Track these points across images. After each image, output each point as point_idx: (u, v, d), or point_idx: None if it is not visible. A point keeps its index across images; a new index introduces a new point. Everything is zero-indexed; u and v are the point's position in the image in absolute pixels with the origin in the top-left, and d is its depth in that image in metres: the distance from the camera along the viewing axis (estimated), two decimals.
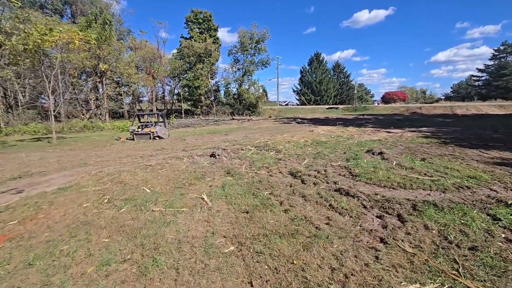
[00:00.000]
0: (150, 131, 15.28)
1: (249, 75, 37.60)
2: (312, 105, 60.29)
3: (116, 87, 31.24)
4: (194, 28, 37.65)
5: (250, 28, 36.49)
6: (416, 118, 27.45)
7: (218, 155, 8.90)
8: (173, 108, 40.27)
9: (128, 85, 35.25)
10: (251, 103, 36.24)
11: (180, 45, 37.77)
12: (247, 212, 4.44)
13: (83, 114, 28.21)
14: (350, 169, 6.76)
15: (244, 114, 35.38)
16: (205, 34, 37.17)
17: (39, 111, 27.50)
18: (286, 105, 68.48)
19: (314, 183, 5.72)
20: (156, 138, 15.42)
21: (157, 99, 38.23)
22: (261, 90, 37.28)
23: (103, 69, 23.05)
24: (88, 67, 28.19)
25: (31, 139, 18.95)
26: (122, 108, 35.53)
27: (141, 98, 42.49)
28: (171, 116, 26.31)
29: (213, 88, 37.63)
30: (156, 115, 17.50)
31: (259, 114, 36.72)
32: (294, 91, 72.44)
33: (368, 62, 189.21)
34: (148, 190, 5.92)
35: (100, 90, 29.76)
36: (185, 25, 39.07)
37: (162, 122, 16.69)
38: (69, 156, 11.18)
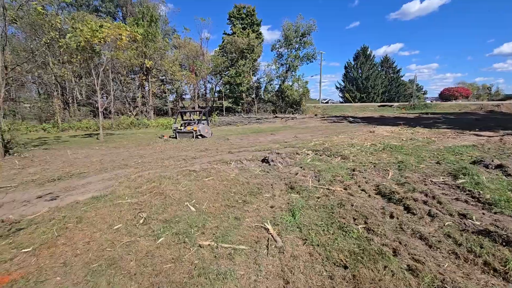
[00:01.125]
0: (193, 129, 14.42)
1: (292, 70, 35.65)
2: (357, 102, 56.00)
3: (161, 85, 31.78)
4: (236, 24, 36.84)
5: (295, 20, 34.47)
6: (500, 118, 22.94)
7: (272, 160, 7.37)
8: (213, 105, 40.08)
9: (172, 83, 35.82)
10: (294, 101, 34.23)
11: (223, 41, 37.29)
12: (345, 267, 2.79)
13: (130, 111, 29.08)
14: (469, 191, 4.70)
15: (286, 112, 33.57)
16: (248, 29, 36.08)
17: (92, 108, 28.98)
18: (326, 103, 64.88)
19: (429, 214, 3.85)
20: (199, 136, 14.51)
21: (198, 96, 38.34)
22: (305, 87, 35.01)
23: (148, 65, 23.18)
24: (135, 66, 28.94)
25: (83, 135, 19.59)
26: (166, 106, 36.26)
27: (183, 96, 43.19)
28: (213, 113, 25.75)
29: (255, 85, 36.43)
30: (199, 112, 16.63)
31: (302, 112, 34.56)
32: (337, 88, 68.34)
33: (418, 57, 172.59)
34: (192, 207, 4.61)
35: (146, 87, 30.45)
36: (228, 21, 38.52)
37: (205, 120, 15.80)
38: (112, 155, 10.64)
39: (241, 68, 33.42)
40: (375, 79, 62.17)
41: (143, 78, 28.44)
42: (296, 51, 35.53)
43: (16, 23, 11.25)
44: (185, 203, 4.82)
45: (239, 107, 35.86)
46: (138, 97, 30.15)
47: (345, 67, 66.25)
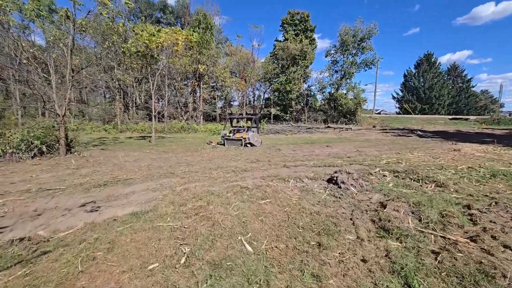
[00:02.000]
0: (242, 137, 13.56)
1: (348, 78, 33.18)
2: (417, 114, 50.21)
3: (211, 91, 32.28)
4: (289, 30, 35.97)
5: (354, 24, 32.12)
6: None
7: (343, 182, 5.87)
8: (261, 112, 39.51)
9: (221, 89, 36.32)
10: (348, 110, 31.67)
11: (274, 48, 36.70)
12: None
13: (182, 116, 29.95)
14: None
15: (339, 122, 31.17)
16: (301, 35, 34.91)
17: (148, 112, 30.64)
18: (378, 113, 59.76)
19: None
20: (248, 145, 13.58)
21: (246, 103, 38.22)
22: (362, 95, 32.21)
23: (201, 70, 23.52)
24: (189, 72, 29.86)
25: (138, 137, 20.34)
26: (215, 112, 36.82)
27: (231, 102, 43.63)
28: (262, 121, 24.96)
29: (305, 92, 34.84)
30: (249, 119, 15.81)
31: (357, 122, 31.77)
32: (394, 98, 62.69)
33: (490, 65, 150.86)
34: (248, 246, 3.42)
35: (197, 93, 31.19)
36: (280, 27, 37.93)
37: (255, 127, 14.85)
38: (160, 160, 10.23)
39: (292, 75, 32.22)
40: (440, 88, 55.40)
41: (195, 84, 29.16)
42: (353, 57, 33.05)
43: (84, 31, 11.70)
44: (239, 237, 3.67)
45: (288, 115, 34.56)
46: (189, 102, 31.03)
47: (405, 76, 60.55)
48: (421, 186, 5.91)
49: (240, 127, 15.42)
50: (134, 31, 13.39)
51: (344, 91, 33.38)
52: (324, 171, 7.57)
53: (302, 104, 34.58)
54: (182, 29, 39.39)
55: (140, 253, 3.31)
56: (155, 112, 16.56)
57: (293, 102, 34.21)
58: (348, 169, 6.60)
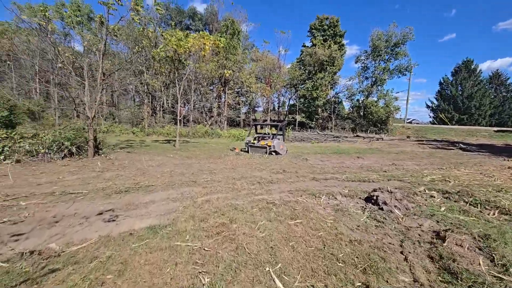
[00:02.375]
0: (266, 144, 13.05)
1: (379, 85, 31.56)
2: (454, 124, 46.66)
3: (236, 97, 32.29)
4: (317, 35, 35.21)
5: (387, 29, 30.58)
6: None
7: (384, 203, 5.12)
8: (285, 119, 38.86)
9: (246, 95, 36.26)
10: (379, 119, 29.98)
11: (301, 54, 36.09)
12: None
13: (206, 121, 30.16)
14: None
15: (368, 132, 29.62)
16: (330, 41, 33.98)
17: (174, 116, 31.25)
18: (409, 122, 56.38)
19: None
20: (273, 153, 13.03)
21: (271, 109, 37.77)
22: (394, 103, 30.40)
23: (227, 75, 23.57)
24: (214, 77, 30.12)
25: (163, 140, 20.60)
26: (239, 117, 36.79)
27: (256, 108, 43.46)
28: (287, 128, 24.25)
29: (333, 99, 33.71)
30: (274, 126, 15.29)
31: (388, 132, 29.98)
32: (428, 107, 58.97)
33: None
34: (279, 282, 2.86)
35: (222, 98, 31.32)
36: (308, 33, 37.28)
37: (281, 135, 14.28)
38: (183, 166, 9.99)
39: (319, 81, 31.32)
40: (481, 98, 51.25)
41: (220, 89, 29.31)
42: (385, 63, 31.41)
43: (117, 36, 11.95)
44: (267, 267, 3.12)
45: (313, 122, 33.56)
46: (214, 107, 31.25)
47: (440, 83, 56.88)
48: (481, 212, 4.98)
49: (265, 134, 14.94)
50: (163, 35, 13.52)
51: (375, 99, 31.77)
52: (360, 187, 6.81)
53: (328, 112, 33.43)
54: (210, 35, 40.15)
55: (153, 281, 2.87)
56: (180, 116, 16.60)
57: (319, 109, 33.18)
58: (389, 187, 5.81)
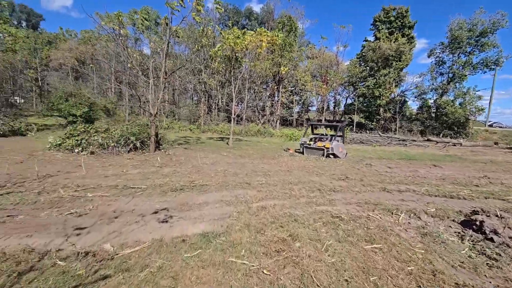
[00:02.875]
0: (324, 146, 12.03)
1: (457, 82, 27.07)
2: None
3: (290, 95, 31.46)
4: (382, 28, 31.98)
5: (472, 16, 25.88)
6: None
7: (495, 232, 3.87)
8: (341, 119, 36.50)
9: (300, 93, 35.12)
10: (456, 121, 25.69)
11: (362, 49, 33.35)
12: None
13: (259, 119, 30.08)
14: None
15: (441, 135, 25.63)
16: (396, 33, 30.52)
17: (228, 114, 31.97)
18: (490, 125, 47.42)
19: None
20: (331, 156, 11.96)
21: (326, 109, 35.83)
22: (477, 103, 25.69)
23: (283, 72, 22.89)
24: (269, 76, 29.80)
25: (217, 138, 21.06)
26: (292, 116, 35.88)
27: (309, 108, 41.92)
28: (347, 129, 22.47)
29: (398, 98, 30.25)
30: (333, 126, 14.12)
31: (467, 136, 25.56)
32: None
33: None
34: None
35: (276, 97, 30.84)
36: (371, 26, 34.19)
37: (341, 136, 13.06)
38: (236, 165, 9.73)
39: (382, 79, 28.38)
40: None
41: (274, 87, 28.87)
42: (467, 56, 26.74)
43: (179, 37, 12.34)
44: None
45: (373, 123, 30.64)
46: (267, 106, 30.98)
47: None
48: None
49: (322, 134, 13.89)
50: (221, 33, 13.56)
51: (451, 98, 27.34)
52: (448, 205, 5.49)
53: (392, 112, 30.08)
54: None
55: None
56: (234, 114, 16.61)
57: (381, 109, 30.10)
58: (497, 210, 4.46)
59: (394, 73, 28.38)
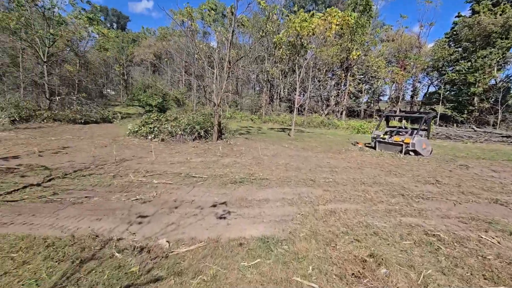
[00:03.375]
0: (403, 141, 10.28)
1: None
2: None
3: (358, 84, 28.64)
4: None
5: None
6: None
7: None
8: (426, 111, 31.60)
9: (370, 82, 31.70)
10: None
11: (453, 27, 27.81)
12: None
13: (322, 110, 28.38)
14: None
15: None
16: (504, 4, 24.28)
17: (290, 104, 31.10)
18: None
19: None
20: (411, 153, 10.17)
21: (401, 98, 31.43)
22: None
23: (354, 57, 20.63)
24: (335, 63, 27.63)
25: (278, 129, 20.57)
26: (359, 107, 32.80)
27: (381, 97, 37.68)
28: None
29: (501, 85, 24.38)
30: (415, 119, 12.02)
31: None
32: None
33: None
34: None
35: (342, 86, 28.50)
36: None
37: (425, 130, 10.99)
38: (299, 159, 9.03)
39: (480, 61, 23.14)
40: None
41: (342, 75, 26.60)
42: None
43: (243, 25, 12.04)
44: None
45: (464, 115, 25.49)
46: (332, 96, 28.92)
47: None
48: None
49: (400, 127, 11.96)
50: (288, 16, 12.75)
51: None
52: None
53: (492, 101, 24.44)
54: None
55: None
56: (298, 105, 15.75)
57: (475, 98, 24.73)
58: None
59: (498, 54, 22.76)
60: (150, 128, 11.58)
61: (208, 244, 3.26)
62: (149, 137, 11.32)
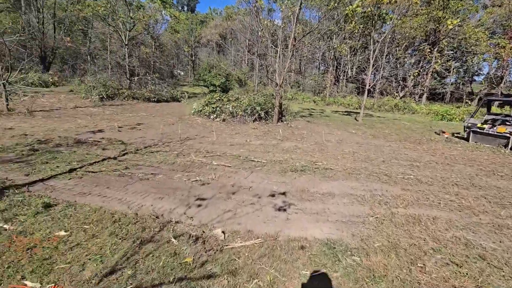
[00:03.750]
0: (510, 132, 8.12)
1: None
2: None
3: (447, 61, 23.99)
4: None
5: None
6: None
7: None
8: None
9: (462, 58, 26.26)
10: None
11: None
12: None
13: (397, 92, 25.02)
14: None
15: None
16: None
17: (357, 85, 28.33)
18: None
19: None
20: None
21: (505, 79, 25.14)
22: None
23: (450, 26, 16.92)
24: (418, 37, 23.60)
25: (343, 112, 18.97)
26: (445, 89, 27.74)
27: (474, 77, 31.14)
28: None
29: None
30: None
31: None
32: None
33: None
34: None
35: (425, 64, 24.32)
36: None
37: None
38: (369, 147, 7.99)
39: None
40: None
41: (427, 51, 22.55)
42: None
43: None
44: None
45: None
46: (410, 75, 25.03)
47: None
48: None
49: (508, 115, 9.48)
50: None
51: None
52: None
53: None
54: None
55: None
56: (370, 86, 14.02)
57: None
58: None
59: None
60: (213, 108, 11.81)
61: (266, 241, 2.94)
62: (212, 117, 11.58)
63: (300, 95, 24.98)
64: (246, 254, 2.68)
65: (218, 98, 12.42)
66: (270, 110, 11.80)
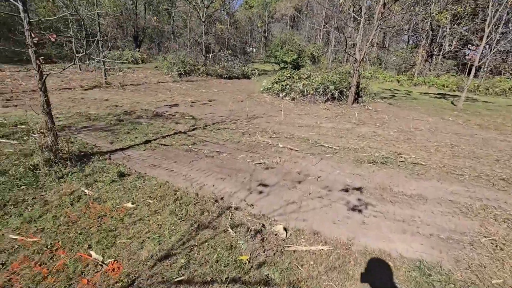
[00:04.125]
0: None
1: None
2: None
3: None
4: None
5: None
6: None
7: None
8: None
9: None
10: None
11: None
12: None
13: None
14: None
15: None
16: None
17: (458, 62, 23.27)
18: None
19: None
20: None
21: None
22: None
23: None
24: None
25: (435, 94, 15.91)
26: None
27: None
28: None
29: None
30: None
31: None
32: None
33: None
34: None
35: None
36: None
37: None
38: (474, 141, 6.33)
39: None
40: None
41: None
42: None
43: None
44: None
45: None
46: None
47: None
48: None
49: None
50: None
51: None
52: None
53: None
54: None
55: None
56: (479, 62, 11.11)
57: None
58: None
59: None
60: (283, 86, 11.26)
61: (336, 249, 2.43)
62: (281, 95, 11.08)
63: (381, 73, 22.00)
64: (311, 263, 2.24)
65: (289, 75, 11.75)
66: (345, 89, 10.58)
